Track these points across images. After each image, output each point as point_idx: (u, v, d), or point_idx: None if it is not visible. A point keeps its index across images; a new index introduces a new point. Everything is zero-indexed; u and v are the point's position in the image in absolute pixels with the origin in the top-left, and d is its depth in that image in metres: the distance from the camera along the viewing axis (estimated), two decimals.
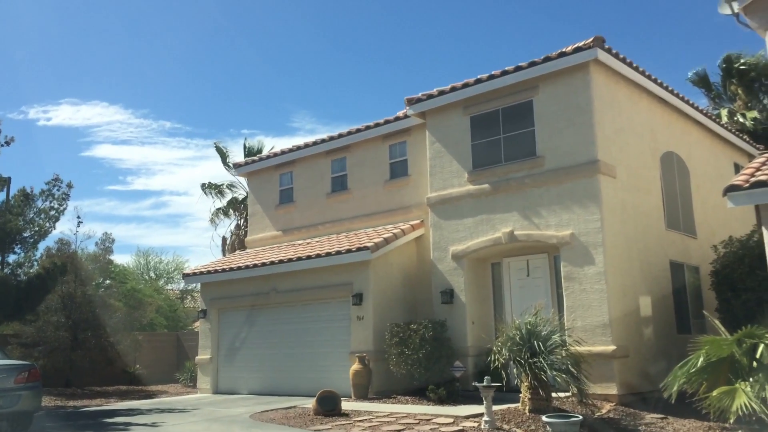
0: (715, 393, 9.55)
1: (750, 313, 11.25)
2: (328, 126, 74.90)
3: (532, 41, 57.12)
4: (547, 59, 13.21)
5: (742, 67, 22.38)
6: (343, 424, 11.15)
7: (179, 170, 65.49)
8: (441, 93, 14.85)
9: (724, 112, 22.19)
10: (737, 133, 18.68)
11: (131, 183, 66.50)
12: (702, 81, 23.84)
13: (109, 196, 66.24)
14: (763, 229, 9.22)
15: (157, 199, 67.83)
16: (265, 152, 26.43)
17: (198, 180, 68.51)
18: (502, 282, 14.42)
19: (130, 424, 12.55)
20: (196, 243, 74.87)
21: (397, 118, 16.70)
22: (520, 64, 13.60)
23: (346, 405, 12.86)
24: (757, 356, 9.68)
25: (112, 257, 23.41)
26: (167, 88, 64.44)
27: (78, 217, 21.85)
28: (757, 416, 9.09)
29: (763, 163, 9.66)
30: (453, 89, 14.64)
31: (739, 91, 22.58)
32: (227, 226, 29.65)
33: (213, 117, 69.54)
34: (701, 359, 10.08)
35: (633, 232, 13.31)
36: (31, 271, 18.26)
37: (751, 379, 9.53)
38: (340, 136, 17.95)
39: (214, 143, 29.30)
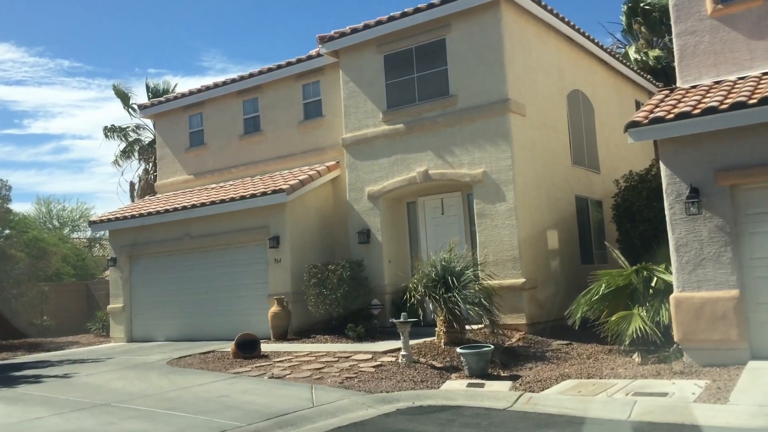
0: (613, 318, 10.25)
1: (647, 243, 11.98)
2: (240, 65, 72.45)
3: None
4: None
5: (646, 7, 23.07)
6: (263, 365, 11.24)
7: (81, 112, 62.03)
8: (354, 31, 14.57)
9: (631, 50, 22.91)
10: (639, 71, 19.42)
11: (28, 126, 62.60)
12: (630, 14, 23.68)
13: (5, 140, 62.13)
14: (661, 163, 9.73)
15: (58, 144, 64.28)
16: (171, 93, 25.32)
17: (102, 122, 65.05)
18: (418, 221, 14.67)
19: (40, 376, 12.17)
20: (102, 189, 71.70)
21: (310, 57, 16.31)
22: (432, 1, 13.49)
23: (265, 347, 12.92)
24: (653, 285, 10.40)
25: (10, 206, 21.99)
26: (64, 25, 60.18)
27: None
28: (651, 338, 9.82)
29: (662, 100, 10.10)
30: (366, 27, 14.39)
31: (643, 30, 23.34)
32: (135, 170, 28.51)
33: (116, 55, 65.74)
34: (603, 287, 10.75)
35: (542, 169, 13.75)
36: None
37: (647, 305, 10.26)
38: (251, 75, 17.39)
39: (113, 85, 27.79)
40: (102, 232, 24.98)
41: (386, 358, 10.85)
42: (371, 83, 14.60)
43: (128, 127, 27.95)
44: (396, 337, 11.37)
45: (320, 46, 15.17)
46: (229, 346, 12.88)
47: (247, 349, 12.24)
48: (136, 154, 28.00)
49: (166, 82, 28.04)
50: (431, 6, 13.50)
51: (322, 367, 10.63)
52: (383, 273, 14.18)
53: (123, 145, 27.99)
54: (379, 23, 14.21)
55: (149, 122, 24.59)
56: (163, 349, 14.72)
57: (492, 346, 10.17)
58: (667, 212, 9.55)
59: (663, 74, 21.48)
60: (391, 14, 14.03)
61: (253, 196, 14.97)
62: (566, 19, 14.68)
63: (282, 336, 14.10)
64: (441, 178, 13.61)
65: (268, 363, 11.46)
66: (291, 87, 16.90)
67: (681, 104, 9.52)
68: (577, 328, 11.03)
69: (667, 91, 10.58)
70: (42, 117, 62.49)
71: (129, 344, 16.95)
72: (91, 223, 19.25)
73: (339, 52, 15.09)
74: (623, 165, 16.06)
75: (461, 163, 13.33)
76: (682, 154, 9.48)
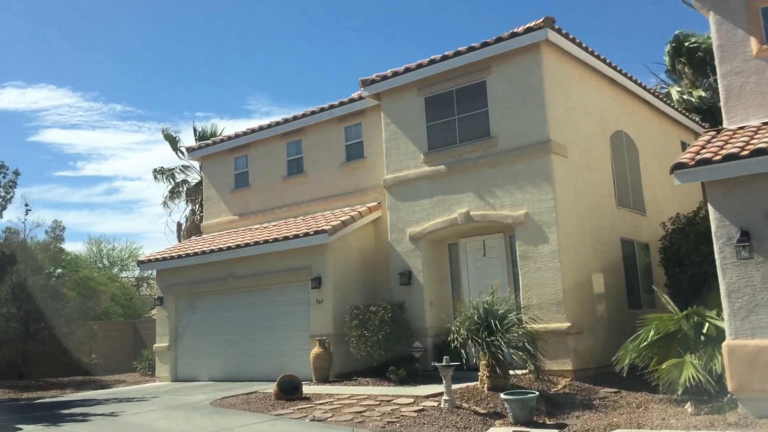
0: (664, 365, 9.91)
1: (696, 288, 11.64)
2: (284, 108, 74.04)
3: (487, 21, 57.32)
4: (499, 39, 13.29)
5: (691, 47, 22.85)
6: (305, 408, 11.21)
7: (132, 155, 64.00)
8: (395, 74, 14.82)
9: (674, 90, 22.67)
10: (684, 111, 19.15)
11: (82, 168, 64.76)
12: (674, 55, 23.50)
13: (59, 182, 64.40)
14: (709, 205, 9.52)
15: (110, 185, 66.27)
16: (218, 135, 26.00)
17: (151, 165, 67.08)
18: (459, 262, 14.59)
19: (88, 414, 12.37)
20: (150, 229, 73.37)
21: (352, 100, 16.62)
22: (473, 44, 13.66)
23: (307, 389, 12.90)
24: (704, 331, 10.06)
25: (63, 245, 22.76)
26: (118, 71, 62.60)
27: (26, 205, 21.23)
28: (704, 387, 9.46)
29: (708, 141, 9.94)
30: (407, 70, 14.61)
31: (686, 70, 23.10)
32: (182, 211, 29.20)
33: (166, 100, 68.02)
34: (651, 333, 10.43)
35: (585, 211, 13.58)
36: None
37: (700, 351, 9.90)
38: (295, 118, 17.78)
39: (163, 130, 28.66)
40: (150, 272, 25.55)
41: (428, 403, 10.71)
42: (412, 125, 14.75)
43: (175, 168, 28.73)
44: (438, 380, 11.22)
45: (362, 89, 15.45)
46: (271, 387, 12.91)
47: (289, 390, 12.24)
48: (183, 194, 28.69)
49: (213, 125, 28.82)
50: (471, 49, 13.65)
51: (364, 411, 10.54)
52: (425, 315, 14.09)
53: (171, 186, 28.75)
54: (419, 66, 14.41)
55: (196, 164, 25.23)
56: (207, 389, 14.83)
57: (537, 393, 9.94)
58: (717, 256, 9.30)
59: (709, 114, 21.14)
60: (432, 57, 14.22)
61: (295, 236, 15.14)
62: (607, 60, 14.65)
63: (324, 378, 14.07)
64: (482, 219, 13.55)
65: (309, 405, 11.42)
66: (333, 129, 17.19)
67: (728, 145, 9.35)
68: (625, 375, 10.71)
69: (713, 132, 10.41)
70: (95, 159, 64.76)
71: (173, 383, 17.13)
72: (140, 263, 19.70)
73: (380, 94, 15.33)
74: (670, 207, 15.75)
75: (503, 204, 13.27)
76: (731, 196, 9.27)
